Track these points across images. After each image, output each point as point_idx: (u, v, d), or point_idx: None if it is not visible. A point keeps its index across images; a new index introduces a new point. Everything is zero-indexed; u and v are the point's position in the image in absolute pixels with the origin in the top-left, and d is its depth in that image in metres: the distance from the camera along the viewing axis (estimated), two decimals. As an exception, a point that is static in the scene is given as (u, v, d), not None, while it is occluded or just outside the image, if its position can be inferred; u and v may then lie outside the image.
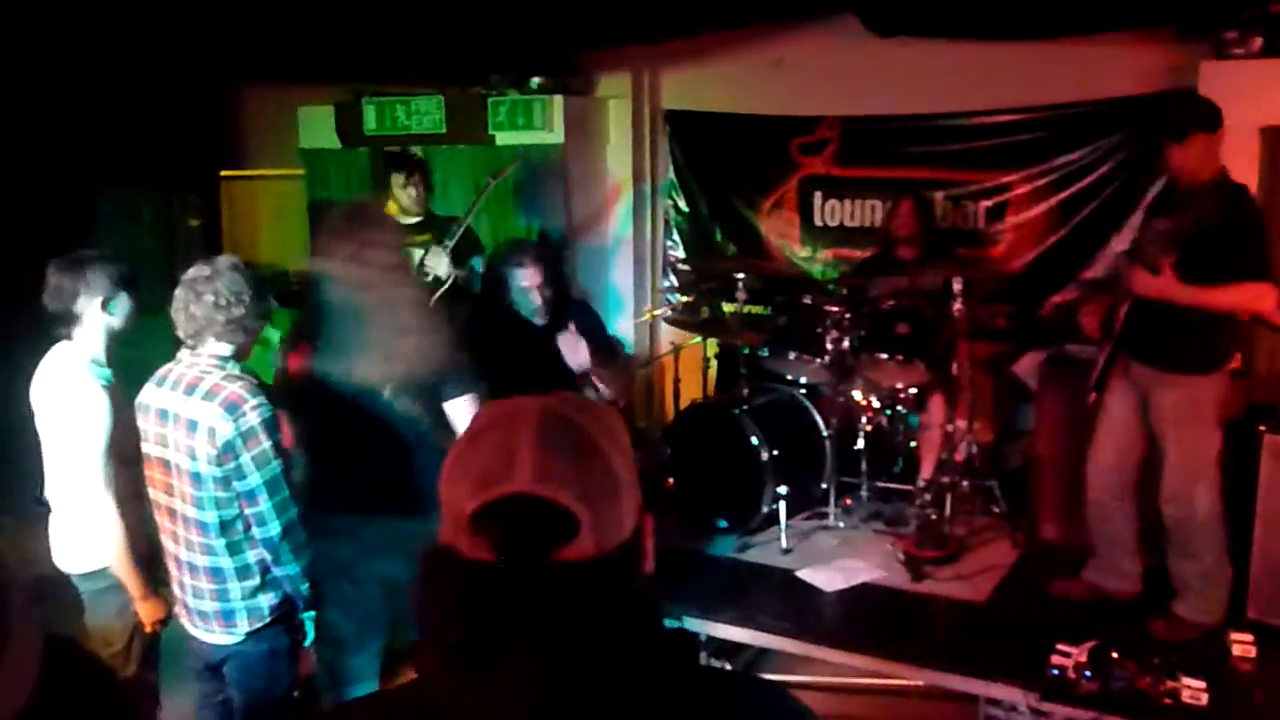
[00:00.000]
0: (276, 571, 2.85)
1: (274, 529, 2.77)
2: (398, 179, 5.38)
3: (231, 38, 5.63)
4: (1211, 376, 3.89)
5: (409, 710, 1.08)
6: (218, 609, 2.87)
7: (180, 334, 2.84)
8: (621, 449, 1.09)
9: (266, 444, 2.75)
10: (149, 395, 2.87)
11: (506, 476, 1.01)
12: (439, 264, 5.07)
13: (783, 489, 4.85)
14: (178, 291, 2.82)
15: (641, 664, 1.02)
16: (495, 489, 1.01)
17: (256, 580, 2.87)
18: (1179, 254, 3.72)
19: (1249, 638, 3.87)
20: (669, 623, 4.03)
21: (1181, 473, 3.91)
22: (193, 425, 2.75)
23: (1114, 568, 4.19)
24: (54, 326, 3.10)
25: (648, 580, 1.12)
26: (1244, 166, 4.69)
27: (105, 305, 3.08)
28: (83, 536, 3.09)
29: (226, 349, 2.83)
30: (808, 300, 5.22)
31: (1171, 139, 3.79)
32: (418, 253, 5.00)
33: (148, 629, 3.11)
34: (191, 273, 2.83)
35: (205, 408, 2.74)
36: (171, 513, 2.88)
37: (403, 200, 5.38)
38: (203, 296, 2.78)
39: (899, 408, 5.15)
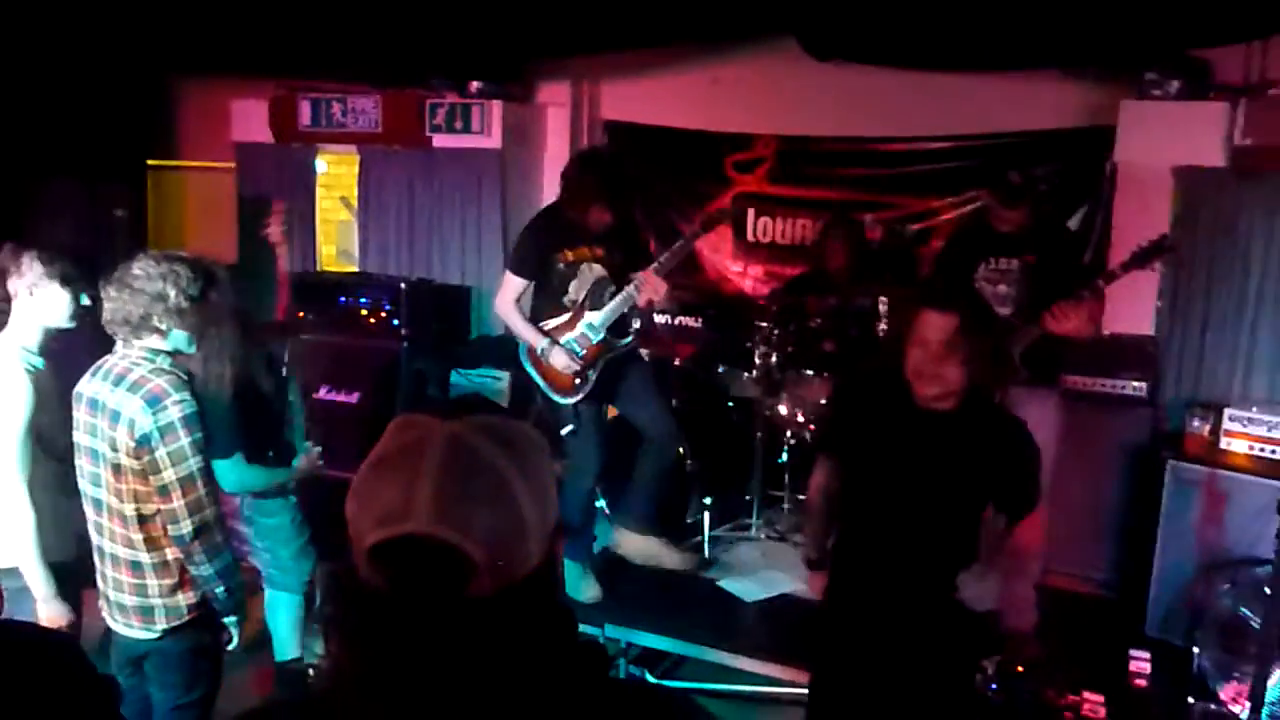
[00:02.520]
0: (191, 571, 2.82)
1: (185, 527, 2.74)
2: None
3: (165, 27, 5.54)
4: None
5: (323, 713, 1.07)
6: (136, 604, 2.84)
7: (111, 329, 2.80)
8: (531, 479, 1.07)
9: (184, 440, 2.72)
10: (83, 385, 2.84)
11: (405, 514, 1.00)
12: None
13: (708, 499, 4.92)
14: (107, 286, 2.78)
15: (539, 690, 1.02)
16: (393, 527, 1.01)
17: (175, 578, 2.84)
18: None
19: (1146, 655, 4.03)
20: (591, 630, 4.08)
21: None
22: (115, 416, 2.73)
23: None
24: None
25: (560, 601, 1.12)
26: (1157, 203, 4.90)
27: (31, 292, 3.03)
28: (2, 530, 3.02)
29: (159, 342, 2.80)
30: (738, 316, 5.31)
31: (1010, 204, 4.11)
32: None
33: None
34: (120, 267, 2.80)
35: (128, 399, 2.71)
36: (96, 504, 2.85)
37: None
38: (132, 291, 2.75)
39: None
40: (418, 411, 1.11)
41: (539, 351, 4.34)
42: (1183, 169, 4.86)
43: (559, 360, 4.30)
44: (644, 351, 4.90)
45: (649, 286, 4.23)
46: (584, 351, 4.35)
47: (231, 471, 3.24)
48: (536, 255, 4.35)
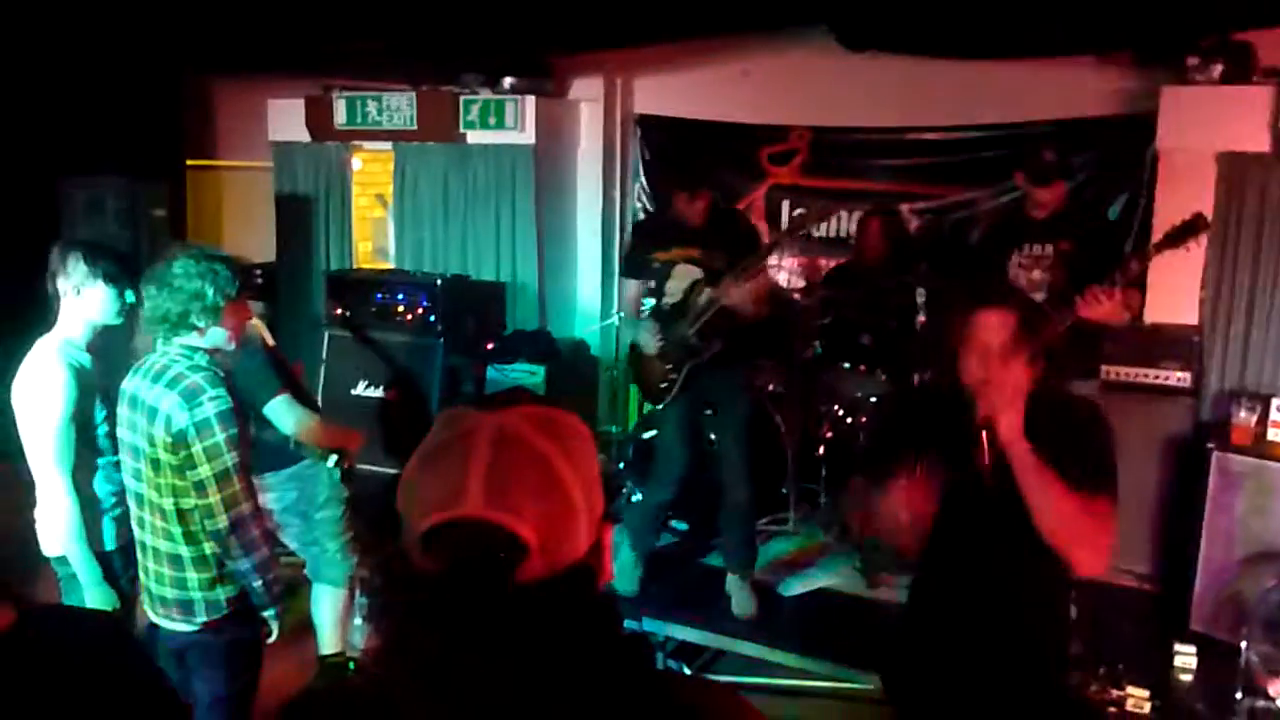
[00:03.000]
0: (227, 565, 2.85)
1: (221, 522, 2.76)
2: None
3: (202, 27, 5.60)
4: None
5: (365, 707, 1.09)
6: (176, 597, 2.87)
7: (147, 329, 2.84)
8: (580, 466, 1.09)
9: (220, 436, 2.74)
10: (127, 382, 2.89)
11: (457, 500, 1.03)
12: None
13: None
14: (142, 286, 2.82)
15: (590, 677, 1.03)
16: (446, 511, 1.03)
17: (213, 572, 2.87)
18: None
19: (1192, 649, 3.97)
20: (629, 624, 4.09)
21: None
22: (153, 412, 2.76)
23: None
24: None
25: (605, 590, 1.13)
26: (1200, 191, 4.81)
27: (77, 291, 3.09)
28: (51, 521, 3.09)
29: (196, 339, 2.83)
30: (774, 308, 5.27)
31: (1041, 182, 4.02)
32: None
33: None
34: (155, 267, 2.84)
35: (165, 395, 2.75)
36: (139, 498, 2.89)
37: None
38: (165, 290, 2.78)
39: (860, 416, 5.21)
40: (462, 405, 1.13)
41: (635, 341, 4.34)
42: (1226, 155, 4.76)
43: (644, 342, 4.27)
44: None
45: (732, 293, 4.06)
46: (667, 353, 4.27)
47: (287, 412, 3.34)
48: (636, 255, 4.41)
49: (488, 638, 1.00)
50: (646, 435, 4.34)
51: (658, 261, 4.27)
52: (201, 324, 2.81)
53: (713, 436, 4.61)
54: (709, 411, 4.51)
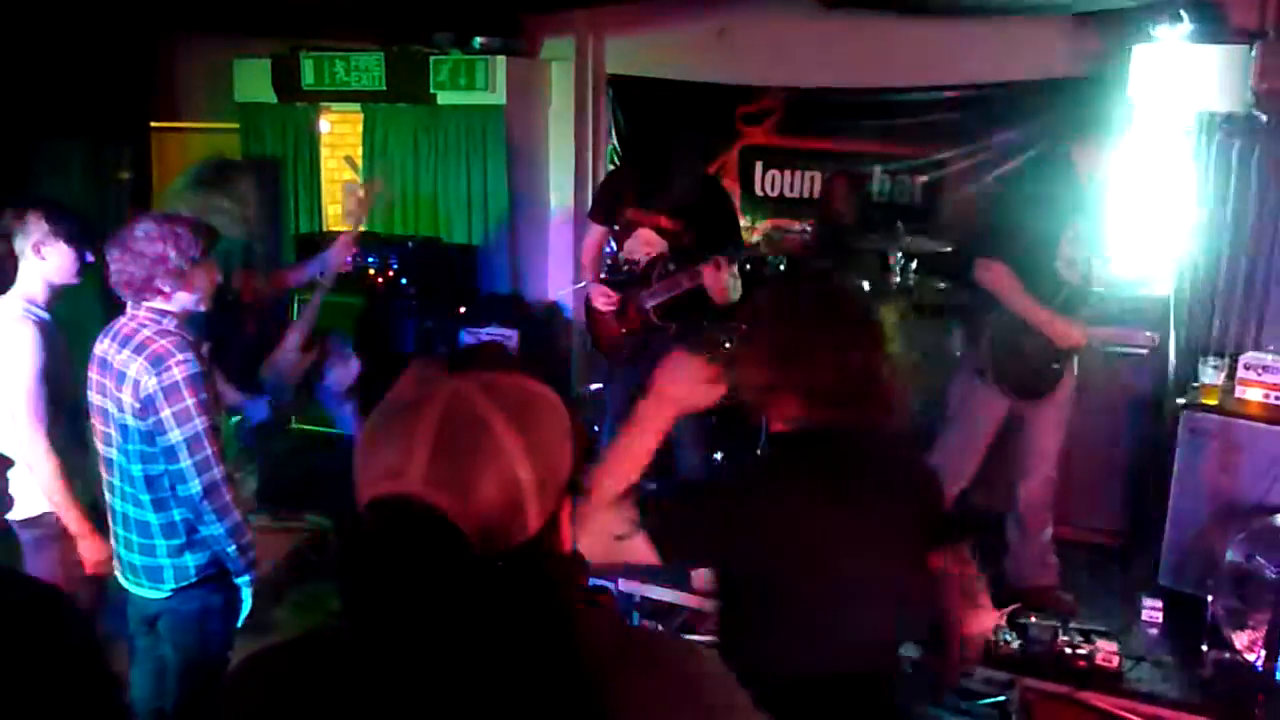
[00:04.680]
0: (201, 531, 2.82)
1: (194, 487, 2.74)
2: None
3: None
4: None
5: (325, 658, 1.08)
6: (145, 563, 2.85)
7: (116, 292, 2.80)
8: (536, 439, 1.05)
9: (189, 401, 2.71)
10: (97, 345, 2.85)
11: (400, 474, 1.01)
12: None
13: (718, 455, 4.91)
14: (109, 250, 2.77)
15: (533, 649, 1.01)
16: (387, 485, 1.01)
17: (182, 539, 2.84)
18: None
19: (1159, 603, 4.04)
20: (604, 584, 4.09)
21: None
22: (121, 377, 2.73)
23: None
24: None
25: (559, 561, 1.10)
26: (1173, 150, 4.83)
27: (36, 250, 3.06)
28: (20, 481, 3.06)
29: (165, 304, 2.79)
30: (748, 269, 5.26)
31: None
32: None
33: (88, 570, 3.07)
34: (123, 230, 2.79)
35: (133, 360, 2.71)
36: (108, 463, 2.86)
37: None
38: (134, 254, 2.74)
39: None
40: (426, 362, 1.10)
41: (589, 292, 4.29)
42: (1198, 115, 4.77)
43: (600, 303, 4.23)
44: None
45: (709, 275, 3.92)
46: (622, 315, 4.24)
47: None
48: (607, 200, 4.33)
49: (429, 607, 0.98)
50: (594, 386, 4.33)
51: (625, 217, 4.23)
52: (166, 288, 2.77)
53: None
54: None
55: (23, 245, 3.07)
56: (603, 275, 4.37)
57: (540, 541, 1.06)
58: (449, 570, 0.99)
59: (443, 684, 0.99)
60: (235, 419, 3.87)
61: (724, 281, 3.90)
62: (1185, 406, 4.27)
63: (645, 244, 4.17)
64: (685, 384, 1.99)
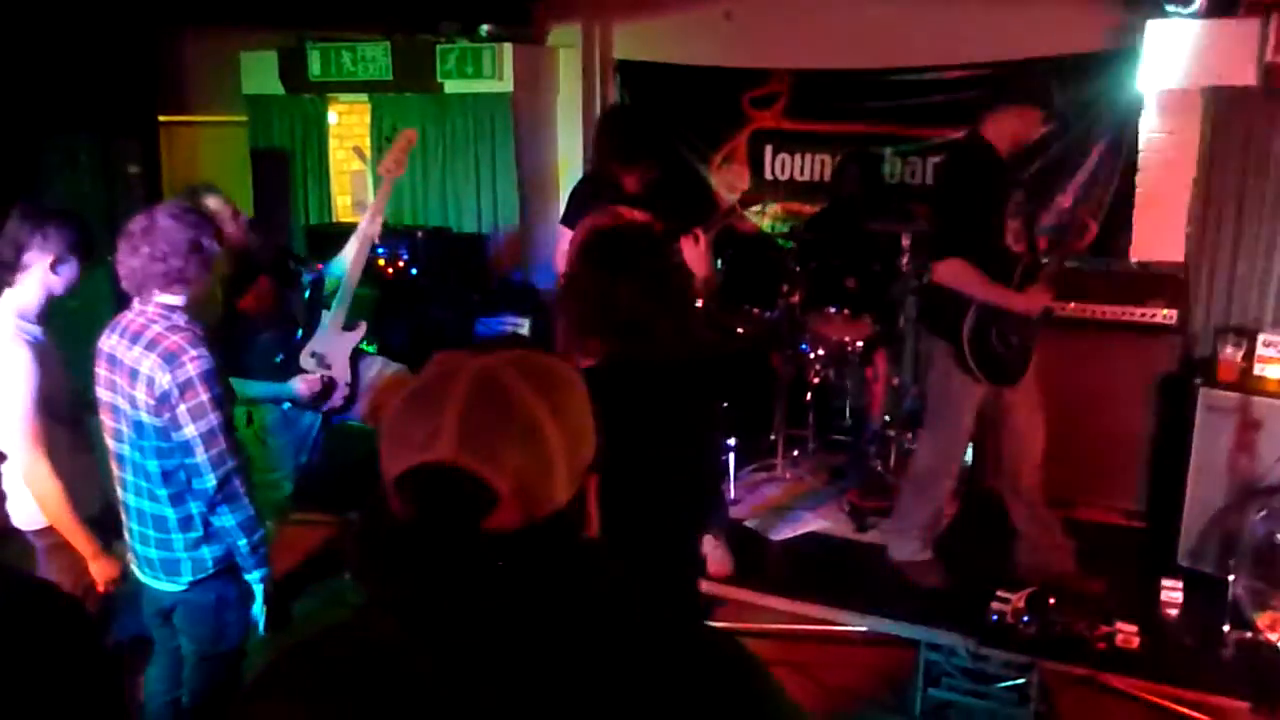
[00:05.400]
0: (215, 524, 2.81)
1: (209, 481, 2.73)
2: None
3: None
4: None
5: (350, 647, 1.08)
6: (162, 557, 2.84)
7: (125, 288, 2.77)
8: (564, 415, 1.05)
9: (204, 396, 2.70)
10: (103, 340, 2.82)
11: (431, 444, 1.00)
12: None
13: (731, 440, 4.90)
14: (119, 243, 2.74)
15: (567, 625, 1.01)
16: (418, 455, 1.00)
17: (199, 531, 2.83)
18: None
19: (1179, 584, 4.00)
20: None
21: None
22: (134, 373, 2.71)
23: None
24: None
25: (590, 541, 1.10)
26: (1187, 126, 4.79)
27: (53, 266, 2.99)
28: (23, 492, 3.02)
29: (174, 299, 2.77)
30: (759, 254, 5.24)
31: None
32: None
33: (100, 589, 3.05)
34: (131, 225, 2.76)
35: (145, 357, 2.69)
36: (120, 459, 2.84)
37: None
38: (139, 250, 2.71)
39: (846, 361, 5.21)
40: (452, 350, 1.10)
41: None
42: (1212, 89, 4.72)
43: None
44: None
45: (686, 252, 3.98)
46: None
47: None
48: (575, 207, 4.34)
49: (462, 586, 0.98)
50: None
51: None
52: (176, 283, 2.75)
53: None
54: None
55: (37, 258, 2.96)
56: None
57: (570, 515, 1.06)
58: (481, 544, 0.98)
59: (481, 659, 0.99)
60: (272, 418, 3.84)
61: (701, 253, 3.91)
62: (1203, 384, 4.24)
63: None
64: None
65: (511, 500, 1.00)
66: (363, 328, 4.13)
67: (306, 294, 4.16)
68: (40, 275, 2.98)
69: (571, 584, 1.03)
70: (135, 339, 2.73)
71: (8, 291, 3.00)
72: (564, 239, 4.42)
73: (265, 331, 3.97)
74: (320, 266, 4.25)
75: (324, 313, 4.09)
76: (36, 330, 2.98)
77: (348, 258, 4.15)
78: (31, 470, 2.92)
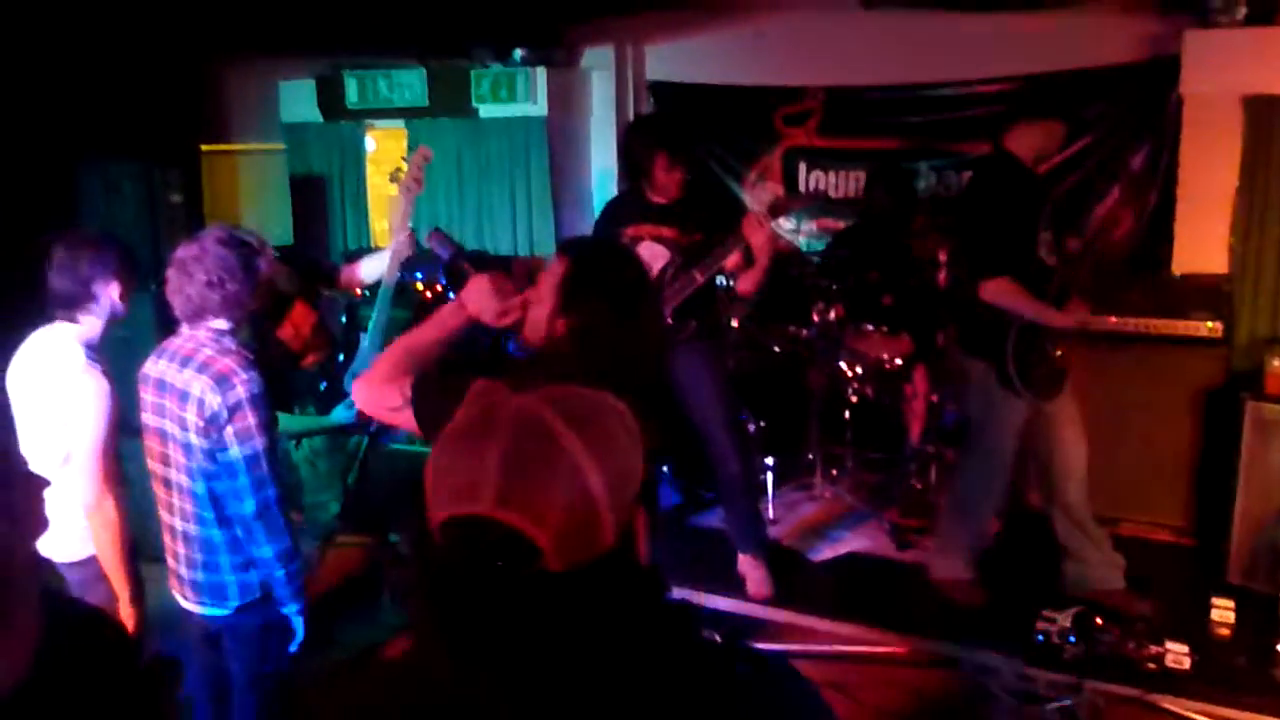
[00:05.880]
0: (251, 551, 2.81)
1: (248, 506, 2.74)
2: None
3: (212, 10, 5.57)
4: None
5: (405, 684, 1.09)
6: (209, 581, 2.86)
7: (178, 315, 2.80)
8: (605, 452, 1.04)
9: (252, 419, 2.73)
10: (150, 366, 2.85)
11: (473, 495, 1.00)
12: None
13: (769, 459, 4.87)
14: (170, 273, 2.78)
15: (618, 659, 1.01)
16: (460, 506, 1.01)
17: (246, 555, 2.85)
18: None
19: (1230, 603, 3.92)
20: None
21: None
22: (184, 396, 2.74)
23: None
24: (55, 307, 2.98)
25: (642, 572, 1.10)
26: (1227, 137, 4.72)
27: (123, 295, 3.01)
28: (71, 524, 3.02)
29: (224, 324, 2.81)
30: (794, 271, 5.23)
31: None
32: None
33: (130, 632, 3.05)
34: (181, 252, 2.79)
35: (197, 379, 2.72)
36: (166, 483, 2.87)
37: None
38: (195, 277, 2.75)
39: (885, 378, 5.17)
40: (491, 380, 1.10)
41: None
42: (1254, 98, 4.66)
43: None
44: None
45: (753, 231, 3.83)
46: None
47: None
48: (604, 229, 4.30)
49: (508, 624, 0.99)
50: None
51: (625, 237, 4.21)
52: (234, 309, 2.79)
53: (689, 410, 4.48)
54: (685, 390, 4.38)
55: (105, 288, 2.98)
56: None
57: (619, 553, 1.05)
58: (529, 588, 0.99)
59: (529, 703, 0.99)
60: (321, 440, 3.86)
61: (768, 234, 3.87)
62: (1251, 397, 4.16)
63: (651, 256, 4.16)
64: (478, 296, 2.25)
65: (553, 551, 0.99)
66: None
67: (344, 318, 4.18)
68: (108, 304, 3.01)
69: (623, 619, 1.03)
70: (186, 362, 2.76)
71: (73, 325, 3.00)
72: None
73: (307, 357, 3.99)
74: (359, 294, 4.26)
75: (362, 335, 4.10)
76: (102, 359, 3.01)
77: (382, 272, 4.11)
78: (99, 504, 2.92)
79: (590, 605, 1.01)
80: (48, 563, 3.10)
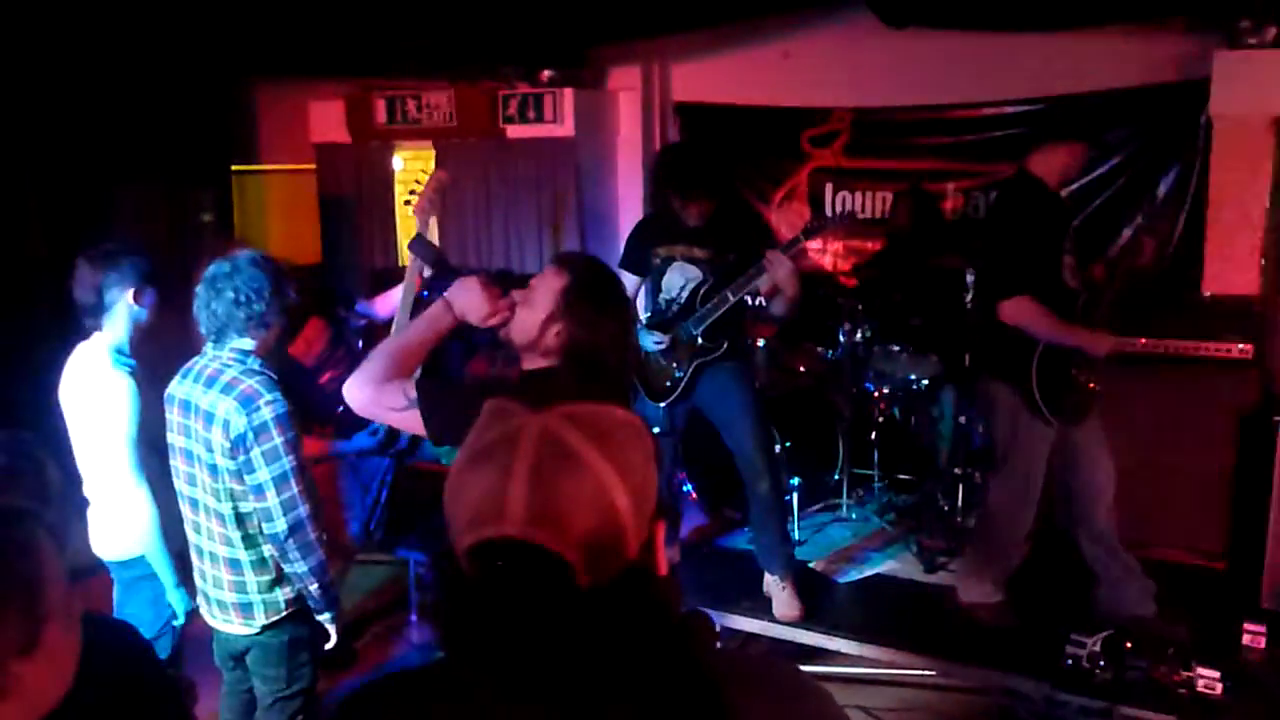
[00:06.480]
0: (285, 568, 2.85)
1: (279, 525, 2.77)
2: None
3: (243, 32, 5.65)
4: None
5: (435, 694, 1.09)
6: (236, 600, 2.89)
7: (203, 331, 2.84)
8: (627, 467, 1.05)
9: (278, 440, 2.75)
10: (175, 387, 2.89)
11: (498, 517, 1.00)
12: None
13: (795, 480, 4.86)
14: (199, 289, 2.82)
15: (643, 674, 1.01)
16: (487, 529, 1.01)
17: (273, 574, 2.88)
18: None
19: (1262, 628, 3.87)
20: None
21: None
22: (209, 417, 2.77)
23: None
24: (84, 319, 3.09)
25: (660, 584, 1.11)
26: (1257, 158, 4.70)
27: (136, 297, 3.08)
28: (117, 524, 3.09)
29: (249, 344, 2.84)
30: (821, 292, 5.23)
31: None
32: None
33: (176, 619, 3.12)
34: (212, 270, 2.83)
35: (222, 400, 2.75)
36: (193, 503, 2.90)
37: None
38: (223, 294, 2.79)
39: (912, 399, 5.15)
40: (507, 399, 1.09)
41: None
42: (1282, 120, 4.64)
43: (646, 343, 4.15)
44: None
45: (776, 268, 3.86)
46: (671, 351, 4.18)
47: None
48: (635, 249, 4.30)
49: (535, 641, 0.99)
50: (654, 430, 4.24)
51: (657, 257, 4.22)
52: (259, 330, 2.82)
53: (720, 429, 4.47)
54: (715, 408, 4.34)
55: (118, 294, 3.06)
56: (645, 317, 4.36)
57: (641, 566, 1.06)
58: (563, 605, 0.99)
59: (573, 713, 0.99)
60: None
61: (790, 269, 3.89)
62: (1284, 420, 4.12)
63: (683, 276, 4.17)
64: (466, 297, 2.31)
65: (582, 566, 1.00)
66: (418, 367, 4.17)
67: (360, 343, 4.19)
68: (125, 309, 3.08)
69: (649, 631, 1.04)
70: (210, 383, 2.79)
71: (99, 334, 3.09)
72: (626, 283, 4.36)
73: (324, 374, 4.01)
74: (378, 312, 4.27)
75: None
76: (130, 361, 3.08)
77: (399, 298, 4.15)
78: (132, 496, 3.00)
79: (615, 619, 1.01)
80: (99, 562, 3.16)
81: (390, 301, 4.12)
